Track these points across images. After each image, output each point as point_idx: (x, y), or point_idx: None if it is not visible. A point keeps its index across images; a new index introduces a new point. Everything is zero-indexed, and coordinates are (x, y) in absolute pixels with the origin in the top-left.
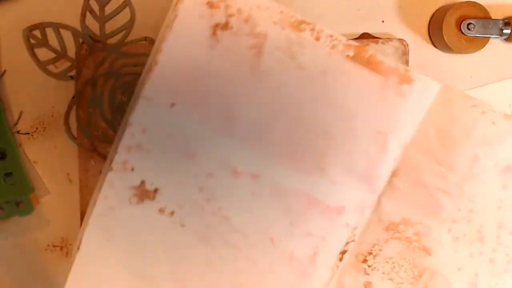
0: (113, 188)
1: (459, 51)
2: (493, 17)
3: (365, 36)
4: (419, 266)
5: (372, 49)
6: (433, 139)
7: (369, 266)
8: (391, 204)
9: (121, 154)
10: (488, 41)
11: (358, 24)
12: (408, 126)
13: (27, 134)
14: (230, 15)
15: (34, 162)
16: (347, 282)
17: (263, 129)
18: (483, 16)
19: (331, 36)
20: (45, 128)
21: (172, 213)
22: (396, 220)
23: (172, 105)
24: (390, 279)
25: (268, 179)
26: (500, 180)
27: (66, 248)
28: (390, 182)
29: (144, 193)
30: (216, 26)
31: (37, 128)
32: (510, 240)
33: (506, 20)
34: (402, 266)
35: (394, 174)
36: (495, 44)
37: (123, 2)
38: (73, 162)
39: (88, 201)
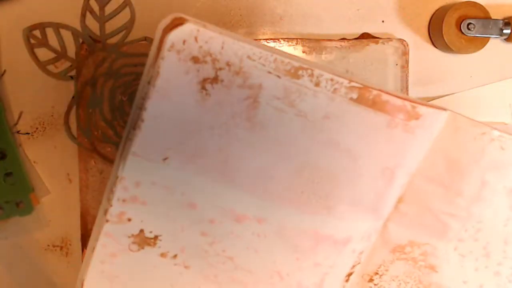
0: (111, 238)
1: (459, 51)
2: (493, 17)
3: (365, 36)
4: (424, 282)
5: (372, 49)
6: (441, 167)
7: (375, 285)
8: (397, 228)
9: (116, 207)
10: (488, 41)
11: (358, 24)
12: (415, 157)
13: (27, 134)
14: (219, 69)
15: (34, 162)
16: None
17: (265, 176)
18: (483, 16)
19: (332, 79)
20: (45, 128)
21: (175, 256)
22: (402, 243)
23: (165, 159)
24: None
25: (273, 222)
26: (507, 201)
27: (66, 248)
28: (396, 208)
29: (143, 241)
30: (204, 81)
31: (37, 128)
32: None
33: (506, 20)
34: (408, 283)
35: (400, 200)
36: (495, 44)
37: (123, 2)
38: (73, 162)
39: (88, 201)
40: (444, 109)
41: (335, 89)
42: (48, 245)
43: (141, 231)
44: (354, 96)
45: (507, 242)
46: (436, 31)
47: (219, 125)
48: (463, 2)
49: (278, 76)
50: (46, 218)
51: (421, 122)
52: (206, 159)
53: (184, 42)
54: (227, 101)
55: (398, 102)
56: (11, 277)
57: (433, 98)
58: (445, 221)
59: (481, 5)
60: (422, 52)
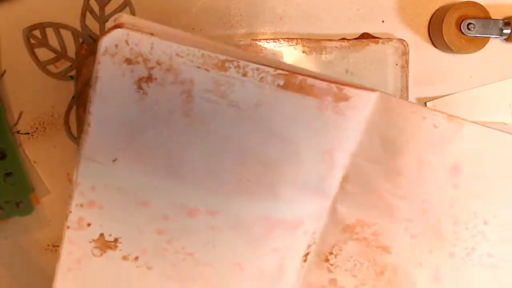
0: (74, 244)
1: (459, 51)
2: (493, 17)
3: (365, 36)
4: (380, 263)
5: (372, 49)
6: (378, 147)
7: (331, 265)
8: (345, 208)
9: (75, 213)
10: (488, 41)
11: (358, 24)
12: (352, 137)
13: (27, 134)
14: (151, 68)
15: (34, 162)
16: (313, 280)
17: (210, 168)
18: (483, 16)
19: (257, 69)
20: (45, 128)
21: (136, 258)
22: (351, 222)
23: (114, 160)
24: (353, 275)
25: (226, 214)
26: (450, 180)
27: None
28: (342, 188)
29: (105, 245)
30: (140, 80)
31: (37, 128)
32: (467, 234)
33: (506, 20)
34: (363, 263)
35: (345, 180)
36: (495, 44)
37: (123, 2)
38: (73, 162)
39: None
40: (373, 90)
41: (261, 77)
42: (48, 245)
43: (101, 235)
44: (281, 82)
45: (456, 223)
46: (436, 31)
47: (159, 123)
48: (463, 2)
49: (207, 70)
50: (46, 218)
51: (351, 103)
52: (152, 157)
53: (116, 46)
54: (163, 98)
55: (324, 85)
56: (11, 277)
57: (433, 98)
58: (390, 201)
59: (481, 5)
60: (422, 52)
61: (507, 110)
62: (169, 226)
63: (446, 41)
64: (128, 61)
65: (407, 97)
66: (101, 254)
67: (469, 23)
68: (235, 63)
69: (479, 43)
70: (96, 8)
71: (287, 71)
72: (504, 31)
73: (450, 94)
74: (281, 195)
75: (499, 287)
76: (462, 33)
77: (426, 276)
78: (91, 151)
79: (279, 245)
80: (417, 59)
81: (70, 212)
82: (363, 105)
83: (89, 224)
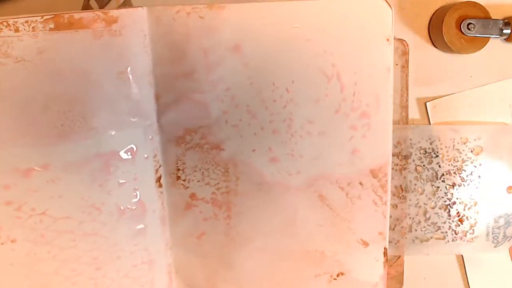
0: None
1: (459, 51)
2: (493, 17)
3: None
4: (220, 163)
5: None
6: (168, 55)
7: (184, 180)
8: (168, 122)
9: None
10: (488, 41)
11: None
12: (141, 53)
13: None
14: None
15: None
16: (176, 201)
17: (24, 125)
18: (483, 16)
19: (27, 21)
20: None
21: None
22: (180, 133)
23: None
24: (207, 183)
25: (57, 163)
26: (238, 60)
27: None
28: (159, 105)
29: None
30: None
31: None
32: (277, 107)
33: (506, 20)
34: (208, 169)
35: (157, 96)
36: (495, 44)
37: (123, 2)
38: None
39: None
40: (141, 7)
41: (33, 27)
42: None
43: None
44: (52, 26)
45: (262, 99)
46: (436, 31)
47: None
48: (463, 2)
49: None
50: None
51: (121, 23)
52: None
53: None
54: None
55: (91, 14)
56: None
57: (433, 98)
58: (199, 100)
59: (481, 5)
60: (422, 52)
61: (507, 110)
62: (13, 194)
63: (446, 41)
64: None
65: (407, 97)
66: None
67: (469, 23)
68: (4, 23)
69: (479, 43)
70: (96, 8)
71: (53, 14)
72: (504, 31)
73: (450, 94)
74: (99, 129)
75: (331, 151)
76: (462, 33)
77: (263, 159)
78: None
79: (122, 177)
80: (417, 59)
81: None
82: (134, 22)
83: None
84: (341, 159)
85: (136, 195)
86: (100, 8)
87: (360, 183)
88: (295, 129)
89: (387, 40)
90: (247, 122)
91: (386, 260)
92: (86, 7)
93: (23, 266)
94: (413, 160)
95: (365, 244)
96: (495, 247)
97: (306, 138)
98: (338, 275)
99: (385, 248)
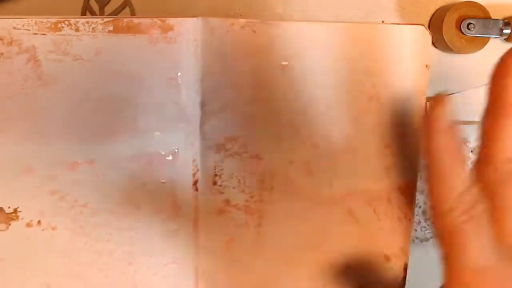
0: None
1: (459, 51)
2: (493, 17)
3: None
4: (257, 172)
5: None
6: (218, 65)
7: (220, 186)
8: (211, 129)
9: None
10: (488, 41)
11: None
12: (192, 61)
13: None
14: None
15: None
16: (209, 206)
17: (75, 121)
18: (483, 16)
19: (87, 22)
20: None
21: (39, 222)
22: (221, 141)
23: None
24: (241, 191)
25: (102, 160)
26: (282, 74)
27: None
28: (203, 111)
29: (7, 217)
30: None
31: None
32: (318, 123)
33: (506, 20)
34: (245, 177)
35: (203, 103)
36: (495, 44)
37: (123, 2)
38: None
39: None
40: (196, 17)
41: (93, 28)
42: None
43: (1, 209)
44: (111, 28)
45: (305, 115)
46: (436, 31)
47: (16, 92)
48: (463, 2)
49: (44, 34)
50: None
51: (176, 31)
52: (19, 125)
53: None
54: (14, 68)
55: (148, 21)
56: None
57: None
58: (242, 110)
59: (481, 5)
60: None
61: None
62: (57, 185)
63: (446, 41)
64: None
65: None
66: (8, 228)
67: (469, 23)
68: (66, 22)
69: (479, 43)
70: (96, 8)
71: (112, 17)
72: (504, 31)
73: (450, 94)
74: (146, 130)
75: (364, 168)
76: (462, 33)
77: (299, 172)
78: None
79: (162, 178)
80: None
81: None
82: (188, 31)
83: None
84: (373, 176)
85: (173, 196)
86: (100, 9)
87: (388, 200)
88: (333, 144)
89: (426, 66)
90: (287, 135)
91: (405, 276)
92: (86, 7)
93: (61, 253)
94: None
95: (387, 259)
96: None
97: (342, 153)
98: None
99: (405, 264)
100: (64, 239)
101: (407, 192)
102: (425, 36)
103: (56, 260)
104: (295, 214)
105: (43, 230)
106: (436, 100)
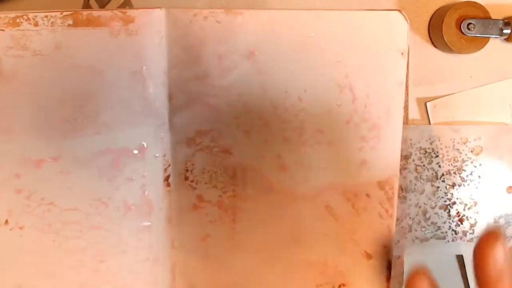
0: None
1: (459, 51)
2: (493, 17)
3: None
4: (229, 166)
5: None
6: (183, 56)
7: (192, 181)
8: (180, 123)
9: None
10: (488, 41)
11: None
12: (157, 54)
13: None
14: None
15: None
16: (182, 201)
17: (39, 118)
18: (483, 16)
19: (46, 16)
20: None
21: (6, 221)
22: (191, 135)
23: None
24: (214, 186)
25: (67, 156)
26: (252, 67)
27: None
28: (171, 105)
29: None
30: None
31: None
32: (289, 115)
33: (506, 20)
34: (216, 172)
35: (170, 97)
36: (495, 44)
37: (123, 2)
38: None
39: None
40: (159, 8)
41: (52, 22)
42: None
43: None
44: (70, 22)
45: (275, 106)
46: (436, 31)
47: None
48: (463, 2)
49: (2, 30)
50: None
51: (138, 23)
52: None
53: None
54: None
55: (109, 13)
56: None
57: (433, 98)
58: (211, 103)
59: (481, 5)
60: (422, 52)
61: (507, 110)
62: (24, 182)
63: (446, 41)
64: None
65: (407, 97)
66: None
67: (469, 23)
68: (25, 17)
69: (479, 43)
70: (96, 8)
71: (72, 11)
72: (504, 31)
73: (450, 94)
74: (112, 125)
75: (339, 162)
76: (462, 33)
77: (271, 166)
78: None
79: (131, 174)
80: (417, 59)
81: None
82: (151, 22)
83: None
84: (349, 170)
85: (144, 192)
86: (100, 8)
87: (367, 195)
88: (305, 138)
89: (402, 53)
90: (258, 128)
91: (389, 275)
92: (86, 7)
93: (30, 253)
94: (413, 160)
95: (369, 256)
96: None
97: (316, 147)
98: (339, 286)
99: (389, 262)
100: (32, 238)
101: (387, 188)
102: (401, 22)
103: (26, 259)
104: (270, 210)
105: (10, 229)
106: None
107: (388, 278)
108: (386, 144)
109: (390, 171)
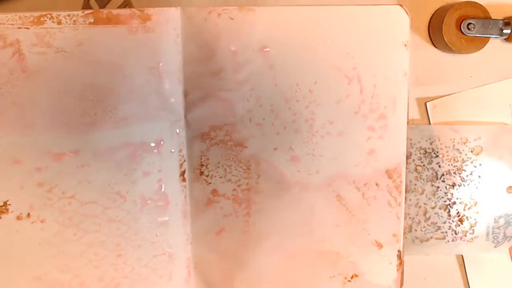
0: None
1: (459, 51)
2: (493, 17)
3: None
4: (243, 160)
5: None
6: (197, 53)
7: (207, 176)
8: (195, 118)
9: None
10: (488, 41)
11: None
12: (169, 50)
13: None
14: None
15: None
16: (198, 196)
17: (60, 112)
18: (483, 16)
19: (68, 15)
20: None
21: (28, 214)
22: (205, 130)
23: None
24: (228, 180)
25: (86, 149)
26: (264, 62)
27: None
28: (187, 101)
29: None
30: None
31: None
32: (300, 107)
33: (506, 20)
34: (231, 165)
35: (186, 93)
36: (495, 44)
37: (123, 2)
38: None
39: None
40: (175, 7)
41: (74, 21)
42: None
43: None
44: (91, 20)
45: (286, 99)
46: (436, 31)
47: (2, 85)
48: (463, 2)
49: (27, 28)
50: None
51: (155, 20)
52: (6, 118)
53: None
54: (0, 62)
55: (127, 11)
56: None
57: (433, 98)
58: (227, 99)
59: (481, 5)
60: (422, 52)
61: (507, 110)
62: (45, 176)
63: (446, 41)
64: None
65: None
66: None
67: (469, 23)
68: (48, 16)
69: (479, 43)
70: (96, 8)
71: (93, 10)
72: (504, 31)
73: (450, 94)
74: (129, 119)
75: (349, 151)
76: (462, 33)
77: (284, 158)
78: None
79: (148, 168)
80: (417, 59)
81: None
82: (167, 20)
83: None
84: (358, 159)
85: (161, 187)
86: (100, 8)
87: (376, 184)
88: (316, 129)
89: (405, 45)
90: (270, 121)
91: (400, 263)
92: (86, 7)
93: (50, 246)
94: (413, 160)
95: (379, 245)
96: (495, 247)
97: (326, 138)
98: (352, 277)
99: (399, 251)
100: (53, 231)
101: (395, 176)
102: (402, 15)
103: (46, 252)
104: (283, 201)
105: (32, 223)
106: None
107: (399, 267)
108: (393, 133)
109: (398, 159)
